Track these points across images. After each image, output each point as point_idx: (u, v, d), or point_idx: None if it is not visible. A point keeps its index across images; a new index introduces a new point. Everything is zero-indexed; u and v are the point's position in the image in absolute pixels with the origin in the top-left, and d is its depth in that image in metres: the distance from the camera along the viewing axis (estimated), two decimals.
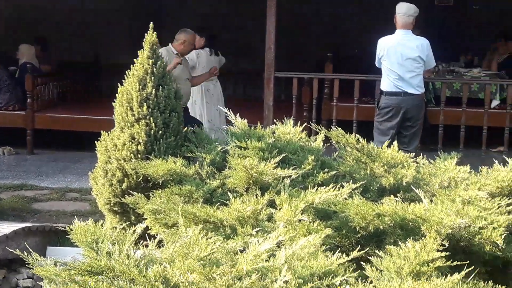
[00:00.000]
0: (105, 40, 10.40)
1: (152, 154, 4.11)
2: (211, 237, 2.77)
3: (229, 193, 3.67)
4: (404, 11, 5.83)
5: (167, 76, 4.29)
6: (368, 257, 2.85)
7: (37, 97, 8.23)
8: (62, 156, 8.04)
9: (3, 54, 9.06)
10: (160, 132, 4.16)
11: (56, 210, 5.80)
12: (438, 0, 10.17)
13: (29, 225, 4.35)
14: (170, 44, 6.40)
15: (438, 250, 2.72)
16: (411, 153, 4.23)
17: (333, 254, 2.81)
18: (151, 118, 4.16)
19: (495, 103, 7.80)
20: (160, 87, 4.23)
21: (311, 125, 4.53)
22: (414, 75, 5.84)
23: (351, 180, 3.70)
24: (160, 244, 3.16)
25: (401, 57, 5.83)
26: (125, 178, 4.19)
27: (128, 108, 4.21)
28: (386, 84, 5.93)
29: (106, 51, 10.35)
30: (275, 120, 4.60)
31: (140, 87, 4.21)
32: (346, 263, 2.77)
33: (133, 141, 4.17)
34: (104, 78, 10.16)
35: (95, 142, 4.40)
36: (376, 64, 6.05)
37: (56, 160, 7.82)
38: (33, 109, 8.07)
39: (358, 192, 3.64)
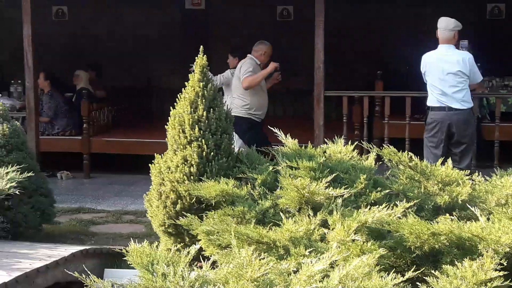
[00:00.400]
0: (157, 65, 10.61)
1: (205, 176, 4.15)
2: (264, 258, 2.78)
3: (281, 214, 3.67)
4: (444, 26, 5.84)
5: (217, 99, 4.35)
6: (424, 277, 2.81)
7: (93, 122, 8.44)
8: (117, 179, 8.20)
9: (59, 81, 9.35)
10: (212, 153, 4.20)
11: (113, 233, 5.90)
12: (490, 14, 10.01)
13: (87, 247, 4.44)
14: (250, 55, 6.66)
15: (495, 270, 2.65)
16: (465, 171, 4.14)
17: (388, 274, 2.78)
18: (203, 140, 4.21)
19: None
20: (211, 109, 4.29)
21: (362, 143, 4.50)
22: (458, 89, 5.78)
23: (404, 199, 3.66)
24: (214, 265, 3.19)
25: (442, 72, 5.81)
26: (179, 200, 4.24)
27: (180, 130, 4.28)
28: (431, 99, 5.96)
29: (157, 76, 10.55)
30: (326, 140, 4.60)
31: (192, 109, 4.27)
32: (402, 284, 2.73)
33: (185, 163, 4.22)
34: (156, 102, 10.35)
35: (149, 164, 4.48)
36: (424, 80, 6.03)
37: (112, 184, 7.98)
38: (89, 134, 8.27)
39: (412, 211, 3.59)
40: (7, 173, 4.85)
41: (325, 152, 4.33)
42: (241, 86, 6.72)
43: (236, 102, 6.76)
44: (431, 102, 5.95)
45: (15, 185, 4.81)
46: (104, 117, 8.87)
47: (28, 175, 5.02)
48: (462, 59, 5.79)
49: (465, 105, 5.84)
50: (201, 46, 4.35)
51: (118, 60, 10.67)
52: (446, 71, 5.79)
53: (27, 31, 6.84)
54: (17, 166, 5.01)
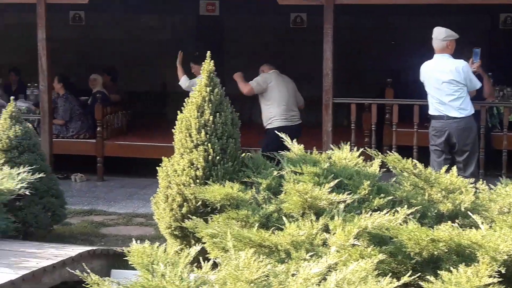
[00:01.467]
0: (172, 70, 10.69)
1: (210, 179, 4.21)
2: (262, 261, 2.82)
3: (284, 218, 3.71)
4: (435, 36, 5.91)
5: (224, 103, 4.41)
6: (420, 282, 2.83)
7: (107, 125, 8.53)
8: (130, 182, 8.28)
9: (73, 84, 9.47)
10: (218, 157, 4.26)
11: (123, 235, 5.98)
12: (503, 24, 9.98)
13: (94, 248, 4.51)
14: None
15: (490, 276, 2.67)
16: (470, 179, 4.16)
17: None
18: (209, 144, 4.27)
19: None
20: (218, 113, 4.35)
21: (367, 150, 4.54)
22: (454, 98, 5.80)
23: (406, 206, 3.69)
24: (216, 267, 3.24)
25: (437, 81, 5.87)
26: (185, 203, 4.30)
27: (187, 134, 4.34)
28: (430, 108, 6.03)
29: (172, 80, 10.64)
30: (332, 146, 4.64)
31: (199, 114, 4.34)
32: None
33: (192, 166, 4.29)
34: (171, 107, 10.43)
35: (157, 167, 4.55)
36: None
37: (124, 187, 8.07)
38: (103, 137, 8.36)
39: (415, 217, 3.62)
40: (18, 173, 4.95)
41: (330, 158, 4.37)
42: None
43: None
44: (431, 111, 6.02)
45: (26, 185, 4.91)
46: (118, 121, 8.96)
47: (40, 176, 5.12)
48: (456, 67, 5.80)
49: (463, 113, 5.85)
50: (208, 51, 4.41)
51: (133, 65, 10.78)
52: (441, 80, 5.84)
53: (41, 35, 6.96)
54: (29, 167, 5.11)
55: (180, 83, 7.47)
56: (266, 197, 4.04)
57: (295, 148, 4.40)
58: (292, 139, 4.47)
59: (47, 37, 6.95)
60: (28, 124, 5.58)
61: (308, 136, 6.79)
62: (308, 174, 3.98)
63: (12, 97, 5.65)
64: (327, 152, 4.49)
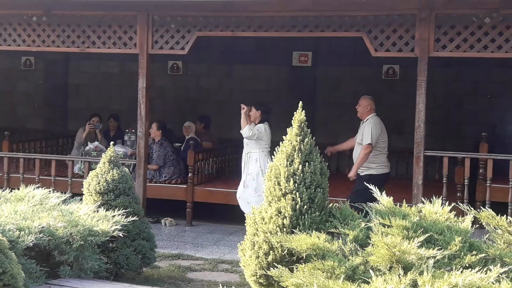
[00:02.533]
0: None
1: (297, 228, 4.22)
2: None
3: (371, 271, 3.66)
4: None
5: (313, 153, 4.44)
6: None
7: (198, 171, 8.73)
8: (217, 228, 8.39)
9: (172, 131, 9.81)
10: (305, 207, 4.27)
11: (208, 280, 6.04)
12: None
13: None
14: None
15: None
16: None
17: None
18: (297, 193, 4.29)
19: None
20: (307, 163, 4.38)
21: (459, 205, 4.42)
22: None
23: (500, 264, 3.55)
24: None
25: None
26: (271, 251, 4.32)
27: (276, 183, 4.39)
28: None
29: None
30: (423, 199, 4.56)
31: (288, 162, 4.39)
32: None
33: (279, 215, 4.32)
34: None
35: (245, 214, 4.61)
36: None
37: (212, 232, 8.18)
38: (194, 183, 8.55)
39: (508, 277, 3.48)
40: (113, 216, 5.15)
41: (420, 211, 4.29)
42: None
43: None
44: None
45: (120, 228, 5.09)
46: (209, 167, 9.16)
47: (133, 219, 5.31)
48: None
49: None
50: (300, 101, 4.49)
51: (226, 113, 11.05)
52: None
53: (142, 84, 7.29)
54: (123, 210, 5.30)
55: (243, 131, 7.57)
56: (353, 248, 4.00)
57: (384, 200, 4.35)
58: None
59: (147, 85, 7.28)
60: (125, 168, 5.81)
61: (397, 188, 6.69)
62: (397, 227, 3.92)
63: (112, 142, 5.92)
64: (417, 205, 4.41)
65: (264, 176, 7.20)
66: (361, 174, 7.01)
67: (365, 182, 6.22)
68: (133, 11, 7.11)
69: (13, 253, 4.04)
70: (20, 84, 12.50)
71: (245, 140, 7.71)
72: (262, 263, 4.36)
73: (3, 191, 5.60)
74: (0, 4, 7.21)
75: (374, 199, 6.03)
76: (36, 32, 7.45)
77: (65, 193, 5.75)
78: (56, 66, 12.14)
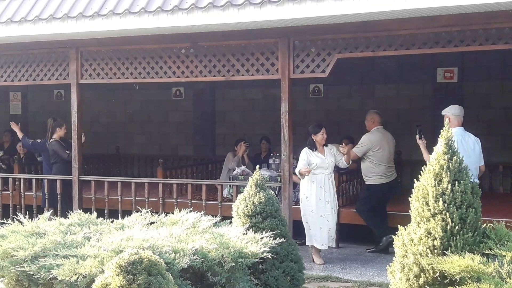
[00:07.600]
0: (405, 137, 10.63)
1: (449, 250, 4.08)
2: None
3: None
4: None
5: (463, 171, 4.28)
6: None
7: (343, 193, 8.72)
8: (365, 250, 8.31)
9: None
10: (457, 227, 4.12)
11: None
12: None
13: None
14: None
15: None
16: None
17: None
18: (447, 214, 4.16)
19: None
20: (456, 182, 4.23)
21: None
22: None
23: None
24: None
25: None
26: (422, 273, 4.21)
27: (424, 203, 4.28)
28: None
29: (406, 148, 10.56)
30: None
31: (436, 182, 4.27)
32: None
33: (429, 236, 4.20)
34: (405, 174, 10.33)
35: (393, 236, 4.52)
36: None
37: (359, 254, 8.11)
38: (339, 204, 8.53)
39: None
40: (261, 238, 5.27)
41: None
42: None
43: None
44: None
45: (268, 249, 5.19)
46: (353, 189, 9.11)
47: (280, 241, 5.40)
48: None
49: None
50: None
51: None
52: None
53: (284, 108, 7.42)
54: (271, 232, 5.41)
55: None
56: (510, 271, 3.79)
57: None
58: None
59: (290, 109, 7.41)
60: (271, 191, 5.93)
61: None
62: None
63: (257, 166, 6.08)
64: None
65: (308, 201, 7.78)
66: (366, 183, 8.25)
67: (366, 191, 7.93)
68: (274, 38, 7.29)
69: (170, 274, 4.25)
70: (171, 114, 13.24)
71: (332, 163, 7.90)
72: (413, 285, 4.26)
73: (159, 215, 5.93)
74: (152, 39, 7.70)
75: (379, 208, 6.35)
76: (185, 64, 7.85)
77: (215, 216, 5.96)
78: (203, 95, 12.72)
